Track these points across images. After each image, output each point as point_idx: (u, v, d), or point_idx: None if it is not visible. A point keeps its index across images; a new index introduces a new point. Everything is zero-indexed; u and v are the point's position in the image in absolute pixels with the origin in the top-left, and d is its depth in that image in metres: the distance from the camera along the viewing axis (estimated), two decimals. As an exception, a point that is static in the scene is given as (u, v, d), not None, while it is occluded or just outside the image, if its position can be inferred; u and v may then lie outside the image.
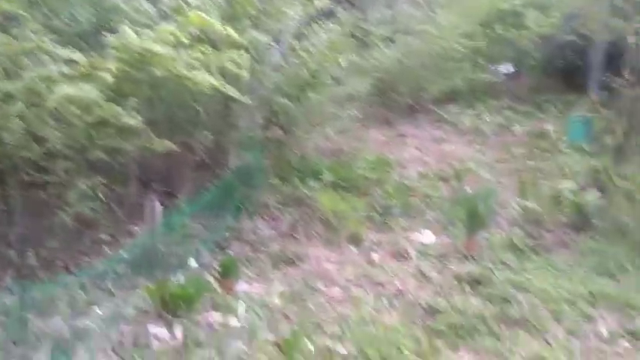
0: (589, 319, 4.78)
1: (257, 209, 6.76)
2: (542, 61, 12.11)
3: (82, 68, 4.51)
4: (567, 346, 4.38)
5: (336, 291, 5.27)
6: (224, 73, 5.76)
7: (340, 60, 7.68)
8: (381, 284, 5.40)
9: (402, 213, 6.95)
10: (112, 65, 4.63)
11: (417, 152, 9.43)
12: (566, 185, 6.95)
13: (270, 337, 4.36)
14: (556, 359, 4.16)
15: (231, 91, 5.67)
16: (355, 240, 6.30)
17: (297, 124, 7.43)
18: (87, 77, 4.48)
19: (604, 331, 4.60)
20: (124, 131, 5.00)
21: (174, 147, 5.50)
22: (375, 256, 5.99)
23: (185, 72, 4.93)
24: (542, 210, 6.60)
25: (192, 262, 5.49)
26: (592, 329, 4.63)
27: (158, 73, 4.88)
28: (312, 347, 4.23)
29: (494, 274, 5.43)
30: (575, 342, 4.45)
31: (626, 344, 4.43)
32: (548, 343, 4.43)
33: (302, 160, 7.81)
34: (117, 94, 4.98)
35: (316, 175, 7.34)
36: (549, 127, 10.07)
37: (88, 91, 4.43)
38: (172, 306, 4.51)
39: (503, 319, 4.74)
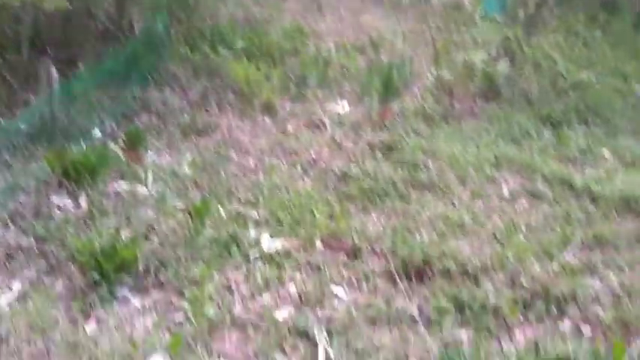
0: (493, 181, 4.97)
1: (165, 79, 6.44)
2: None
3: None
4: (471, 206, 4.56)
5: (249, 160, 5.20)
6: None
7: None
8: (295, 153, 5.37)
9: (318, 84, 6.81)
10: None
11: (335, 23, 9.18)
12: (479, 56, 6.98)
13: (180, 204, 4.28)
14: (460, 218, 4.33)
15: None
16: (269, 110, 6.17)
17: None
18: None
19: (506, 192, 4.81)
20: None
21: (65, 4, 5.03)
22: (289, 126, 5.91)
23: None
24: (454, 80, 6.65)
25: (97, 133, 5.23)
26: (495, 191, 4.83)
27: None
28: (223, 213, 4.20)
29: (405, 141, 5.49)
30: (479, 202, 4.64)
31: (525, 203, 4.67)
32: (454, 205, 4.60)
33: (213, 27, 7.41)
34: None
35: (228, 43, 7.02)
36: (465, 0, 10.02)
37: None
38: (75, 176, 4.31)
39: (413, 183, 4.84)
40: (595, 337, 3.22)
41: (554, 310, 3.43)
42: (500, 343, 3.22)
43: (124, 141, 5.05)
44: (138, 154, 4.99)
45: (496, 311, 3.40)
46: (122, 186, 4.48)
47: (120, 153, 4.94)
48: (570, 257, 3.92)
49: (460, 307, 3.43)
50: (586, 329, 3.31)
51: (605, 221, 4.41)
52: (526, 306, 3.46)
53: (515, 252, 3.90)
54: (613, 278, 3.69)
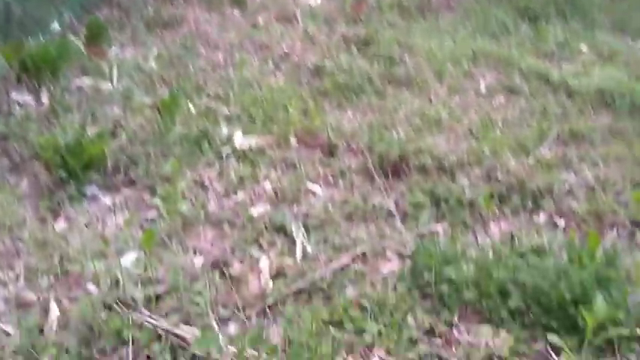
0: (470, 76, 4.87)
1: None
2: None
3: None
4: (448, 102, 4.47)
5: (218, 55, 4.98)
6: None
7: None
8: (266, 47, 5.16)
9: (288, -26, 6.48)
10: None
11: None
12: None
13: (148, 100, 4.10)
14: (436, 113, 4.24)
15: None
16: (238, 2, 5.89)
17: None
18: None
19: (483, 87, 4.73)
20: None
21: None
22: (260, 19, 5.67)
23: None
24: (431, -30, 6.38)
25: (55, 26, 4.91)
26: (472, 86, 4.74)
27: None
28: (193, 109, 4.05)
29: (381, 35, 5.30)
30: (456, 98, 4.56)
31: (502, 98, 4.60)
32: (430, 100, 4.51)
33: None
34: None
35: None
36: None
37: None
38: (35, 71, 4.06)
39: (389, 78, 4.72)
40: (569, 229, 3.25)
41: (529, 203, 3.43)
42: (475, 235, 3.23)
43: (85, 35, 4.77)
44: (101, 49, 4.73)
45: (472, 205, 3.39)
46: (85, 81, 4.25)
47: (81, 47, 4.68)
48: (546, 151, 3.91)
49: (436, 201, 3.41)
50: (560, 222, 3.33)
51: (581, 116, 4.39)
52: (502, 200, 3.46)
53: (492, 147, 3.86)
54: (588, 172, 3.69)
